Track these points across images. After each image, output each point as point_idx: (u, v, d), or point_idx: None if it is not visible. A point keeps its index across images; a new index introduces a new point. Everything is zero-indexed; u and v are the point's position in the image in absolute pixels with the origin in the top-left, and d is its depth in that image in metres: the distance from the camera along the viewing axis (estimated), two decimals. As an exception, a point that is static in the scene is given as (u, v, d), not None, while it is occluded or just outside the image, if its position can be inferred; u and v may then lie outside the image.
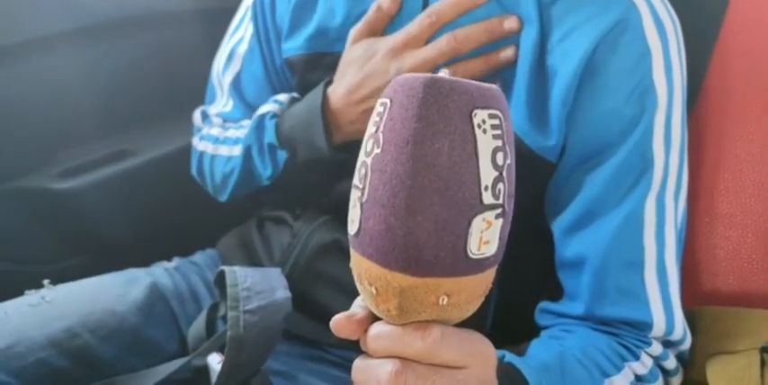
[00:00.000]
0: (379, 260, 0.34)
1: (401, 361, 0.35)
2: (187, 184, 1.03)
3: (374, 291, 0.35)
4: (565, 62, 0.56)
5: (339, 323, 0.37)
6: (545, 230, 0.62)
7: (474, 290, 0.35)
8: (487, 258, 0.35)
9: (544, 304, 0.62)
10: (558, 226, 0.60)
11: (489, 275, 0.36)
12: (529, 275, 0.66)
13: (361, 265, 0.36)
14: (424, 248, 0.33)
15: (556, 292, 0.61)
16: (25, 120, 0.90)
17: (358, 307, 0.38)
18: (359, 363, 0.38)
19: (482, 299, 0.37)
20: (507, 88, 0.59)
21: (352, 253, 0.36)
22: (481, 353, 0.38)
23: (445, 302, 0.35)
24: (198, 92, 1.07)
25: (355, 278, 0.37)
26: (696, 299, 0.66)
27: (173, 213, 1.03)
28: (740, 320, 0.62)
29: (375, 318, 0.37)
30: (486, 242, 0.34)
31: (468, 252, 0.33)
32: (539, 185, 0.61)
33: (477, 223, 0.33)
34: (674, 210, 0.57)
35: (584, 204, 0.58)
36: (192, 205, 1.04)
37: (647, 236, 0.56)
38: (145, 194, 0.99)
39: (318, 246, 0.70)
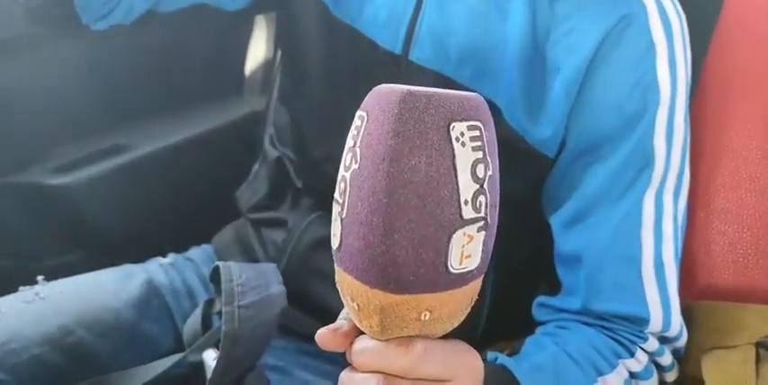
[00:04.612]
0: (359, 276, 0.33)
1: (385, 376, 0.35)
2: (183, 180, 1.03)
3: (356, 307, 0.35)
4: (570, 56, 0.56)
5: (324, 337, 0.37)
6: (540, 225, 0.62)
7: (457, 304, 0.35)
8: (470, 272, 0.34)
9: (541, 298, 0.62)
10: (556, 220, 0.60)
11: (473, 288, 0.36)
12: (525, 271, 0.66)
13: (343, 280, 0.35)
14: (402, 266, 0.32)
15: (552, 287, 0.61)
16: (20, 115, 0.89)
17: (343, 319, 0.38)
18: (344, 377, 0.37)
19: (467, 310, 0.36)
20: (498, 82, 0.58)
21: (336, 267, 0.36)
22: (467, 365, 0.38)
23: (427, 318, 0.34)
24: (194, 87, 1.07)
25: (339, 292, 0.36)
26: (692, 294, 0.66)
27: (168, 209, 1.02)
28: (735, 315, 0.62)
29: (360, 331, 0.37)
30: (468, 256, 0.33)
31: (449, 267, 0.33)
32: (535, 181, 0.61)
33: (458, 238, 0.32)
34: (672, 205, 0.57)
35: (584, 199, 0.58)
36: (187, 200, 1.04)
37: (644, 231, 0.56)
38: (140, 190, 0.99)
39: (313, 242, 0.70)
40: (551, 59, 0.57)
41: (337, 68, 0.66)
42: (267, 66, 1.19)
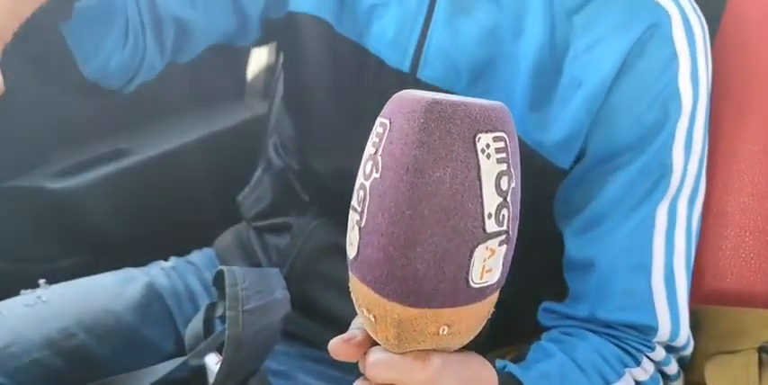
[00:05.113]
0: (377, 288, 0.33)
1: None
2: (184, 183, 1.02)
3: (373, 319, 0.34)
4: (592, 72, 0.55)
5: (337, 347, 0.36)
6: (549, 232, 0.61)
7: (476, 318, 0.35)
8: (490, 286, 0.33)
9: (548, 304, 0.61)
10: (569, 227, 0.59)
11: (491, 301, 0.35)
12: (529, 276, 0.65)
13: (359, 290, 0.34)
14: (423, 280, 0.31)
15: (558, 293, 0.61)
16: (22, 118, 0.89)
17: (356, 328, 0.37)
18: None
19: (483, 323, 0.36)
20: (510, 97, 0.58)
21: (351, 276, 0.35)
22: (481, 379, 0.38)
23: (446, 332, 0.34)
24: (195, 91, 1.06)
25: (354, 302, 0.36)
26: (694, 298, 0.66)
27: (170, 212, 1.02)
28: (738, 320, 0.62)
29: (374, 342, 0.36)
30: (489, 270, 0.33)
31: (470, 282, 0.32)
32: (549, 190, 0.60)
33: (480, 252, 0.32)
34: (686, 215, 0.57)
35: (598, 207, 0.57)
36: (189, 204, 1.03)
37: (656, 240, 0.56)
38: (142, 193, 0.99)
39: (317, 248, 0.69)
40: (571, 74, 0.56)
41: (342, 85, 0.66)
42: (269, 70, 1.20)
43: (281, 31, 0.71)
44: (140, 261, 0.80)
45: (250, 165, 1.08)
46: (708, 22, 0.63)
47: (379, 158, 0.32)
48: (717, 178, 0.68)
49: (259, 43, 0.76)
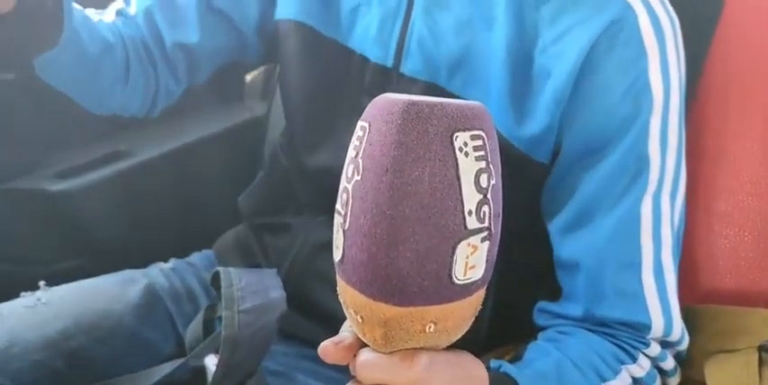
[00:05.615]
0: (362, 289, 0.33)
1: None
2: (183, 185, 1.03)
3: (360, 320, 0.35)
4: (559, 62, 0.56)
5: (326, 349, 0.37)
6: (541, 230, 0.62)
7: (462, 314, 0.35)
8: (474, 282, 0.34)
9: (542, 304, 0.61)
10: (554, 226, 0.60)
11: (477, 298, 0.35)
12: (525, 275, 0.66)
13: (346, 292, 0.35)
14: (407, 278, 0.32)
15: (553, 292, 0.61)
16: (21, 120, 0.89)
17: (346, 331, 0.38)
18: None
19: (471, 321, 0.36)
20: (487, 89, 0.59)
21: (338, 279, 0.36)
22: (472, 377, 0.38)
23: (432, 330, 0.34)
24: (194, 93, 1.06)
25: (342, 304, 0.36)
26: (694, 298, 0.66)
27: (169, 214, 1.02)
28: (738, 319, 0.62)
29: (364, 343, 0.37)
30: (473, 267, 0.33)
31: (454, 278, 0.33)
32: (532, 187, 0.61)
33: (462, 249, 0.32)
34: (670, 210, 0.57)
35: (580, 204, 0.57)
36: (188, 206, 1.03)
37: (643, 236, 0.56)
38: (141, 195, 0.99)
39: (316, 246, 0.70)
40: (541, 65, 0.57)
41: (329, 84, 0.67)
42: (267, 71, 1.20)
43: (272, 38, 0.73)
44: (140, 263, 0.80)
45: (249, 166, 1.08)
46: (706, 20, 0.64)
47: (360, 161, 0.33)
48: (716, 177, 0.68)
49: (267, 57, 0.79)
